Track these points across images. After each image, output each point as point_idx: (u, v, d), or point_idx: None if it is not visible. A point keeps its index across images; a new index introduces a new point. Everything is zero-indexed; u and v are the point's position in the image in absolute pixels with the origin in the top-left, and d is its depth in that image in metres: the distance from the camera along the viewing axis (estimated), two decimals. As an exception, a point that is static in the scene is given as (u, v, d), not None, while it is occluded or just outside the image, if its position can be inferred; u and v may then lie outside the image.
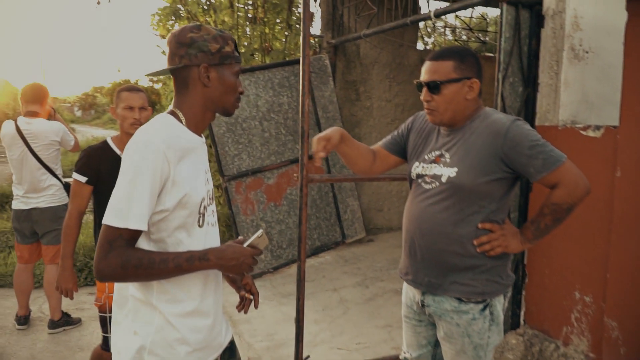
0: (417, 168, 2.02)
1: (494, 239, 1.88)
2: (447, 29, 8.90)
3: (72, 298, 2.85)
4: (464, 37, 10.36)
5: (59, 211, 4.03)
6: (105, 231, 1.39)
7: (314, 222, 5.91)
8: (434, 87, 1.89)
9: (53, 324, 4.01)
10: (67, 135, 4.09)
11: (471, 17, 8.15)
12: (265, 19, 7.07)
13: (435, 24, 8.87)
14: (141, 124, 2.58)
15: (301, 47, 2.66)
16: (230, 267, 1.52)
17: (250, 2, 7.06)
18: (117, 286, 1.59)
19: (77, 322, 4.15)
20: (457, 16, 8.59)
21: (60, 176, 4.09)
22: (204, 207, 1.56)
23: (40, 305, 4.50)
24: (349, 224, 6.25)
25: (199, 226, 1.55)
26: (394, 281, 5.11)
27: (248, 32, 6.95)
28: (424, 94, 1.93)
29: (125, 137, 2.71)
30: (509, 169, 1.83)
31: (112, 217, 1.39)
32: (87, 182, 2.63)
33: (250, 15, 7.21)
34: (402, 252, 2.11)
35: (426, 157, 2.00)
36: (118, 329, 1.57)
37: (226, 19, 6.82)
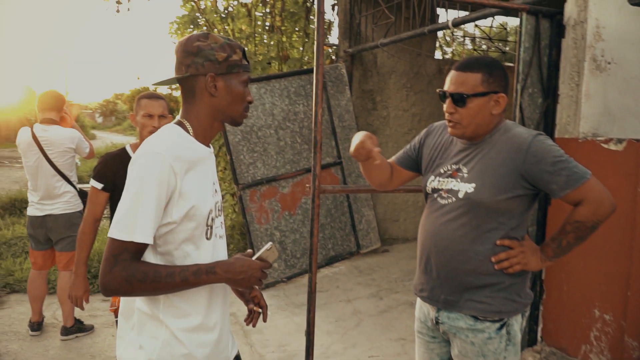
0: (432, 182, 1.96)
1: (512, 256, 1.81)
2: (466, 38, 8.82)
3: (82, 308, 2.82)
4: (484, 47, 10.28)
5: (73, 218, 4.03)
6: (110, 245, 1.37)
7: (329, 231, 5.86)
8: (459, 99, 1.81)
9: (66, 331, 4.00)
10: (82, 142, 4.10)
11: (491, 27, 8.07)
12: (283, 28, 7.07)
13: (454, 33, 8.79)
14: None
15: (315, 56, 2.62)
16: (238, 281, 1.48)
17: (267, 10, 7.05)
18: (124, 297, 1.55)
19: (89, 329, 4.14)
20: (476, 25, 8.51)
21: (75, 183, 4.10)
22: (212, 219, 1.53)
23: (54, 312, 4.51)
24: (364, 234, 6.18)
25: (207, 239, 1.52)
26: (409, 293, 5.04)
27: (265, 41, 6.94)
28: (447, 106, 1.85)
29: None
30: (530, 185, 1.77)
31: (117, 230, 1.36)
32: (103, 189, 2.62)
33: (267, 24, 7.21)
34: (417, 268, 2.05)
35: (442, 171, 1.94)
36: (122, 343, 1.54)
37: (243, 27, 6.83)
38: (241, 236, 6.45)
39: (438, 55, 7.43)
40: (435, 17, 6.55)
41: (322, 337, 4.08)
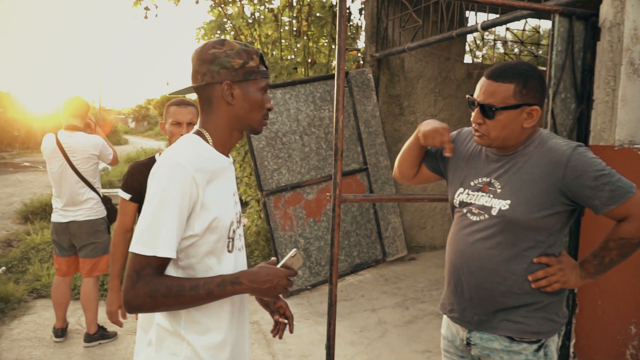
0: (460, 195, 1.85)
1: (551, 274, 1.71)
2: (497, 42, 8.62)
3: (120, 324, 2.79)
4: (516, 50, 10.03)
5: (96, 224, 4.04)
6: (132, 260, 1.33)
7: (354, 239, 5.77)
8: (487, 111, 1.69)
9: (89, 338, 4.00)
10: (105, 149, 4.10)
11: (524, 30, 7.87)
12: (309, 33, 7.02)
13: (485, 37, 8.61)
14: None
15: (336, 60, 2.55)
16: (264, 290, 1.43)
17: (294, 15, 7.02)
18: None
19: (112, 335, 4.13)
20: (508, 29, 8.31)
21: (98, 190, 4.11)
22: (233, 231, 1.49)
23: (79, 318, 4.52)
24: (390, 242, 6.07)
25: (229, 251, 1.48)
26: (436, 303, 4.90)
27: (291, 46, 6.90)
28: (475, 116, 1.74)
29: None
30: (570, 201, 1.66)
31: (140, 244, 1.33)
32: (132, 200, 2.60)
33: (294, 29, 7.17)
34: (445, 286, 1.95)
35: (472, 184, 1.83)
36: (138, 359, 1.49)
37: (269, 32, 6.80)
38: (266, 242, 6.41)
39: (467, 59, 7.27)
40: (464, 20, 6.41)
41: (345, 348, 3.99)
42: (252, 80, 1.46)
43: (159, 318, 1.45)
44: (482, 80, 1.74)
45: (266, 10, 6.98)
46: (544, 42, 9.59)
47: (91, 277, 4.04)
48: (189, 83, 1.52)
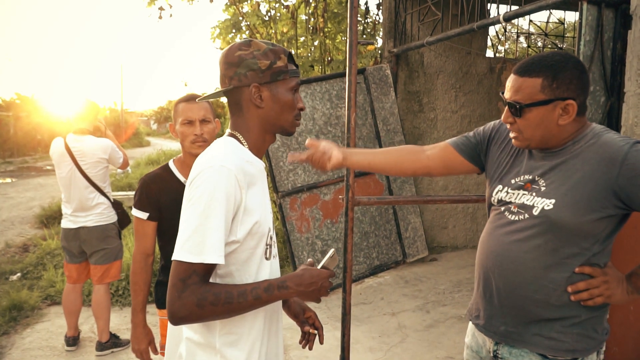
0: (499, 192, 1.68)
1: (594, 287, 1.52)
2: (520, 35, 8.39)
3: None
4: (539, 44, 9.77)
5: (107, 230, 3.96)
6: (176, 268, 1.27)
7: (373, 240, 5.61)
8: (514, 109, 1.54)
9: (101, 346, 3.92)
10: (115, 152, 4.02)
11: (547, 22, 7.62)
12: (326, 29, 6.88)
13: (508, 30, 8.37)
14: (204, 141, 2.21)
15: (347, 55, 2.40)
16: (309, 293, 1.40)
17: (310, 12, 6.88)
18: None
19: (125, 343, 4.05)
20: (531, 21, 8.07)
21: (108, 194, 4.02)
22: (270, 238, 1.46)
23: (92, 325, 4.44)
24: (411, 242, 5.90)
25: (266, 258, 1.44)
26: (458, 306, 4.73)
27: (307, 43, 6.77)
28: (504, 115, 1.60)
29: (188, 158, 2.27)
30: (624, 204, 1.47)
31: (185, 252, 1.27)
32: (149, 219, 2.22)
33: (310, 26, 7.04)
34: (474, 291, 1.78)
35: (513, 181, 1.65)
36: None
37: (285, 29, 6.68)
38: (283, 244, 6.29)
39: (489, 53, 7.05)
40: (485, 12, 6.21)
41: (364, 354, 3.84)
42: (281, 80, 1.42)
43: (187, 332, 1.41)
44: (510, 76, 1.58)
45: (282, 7, 6.86)
46: (568, 34, 9.30)
47: (102, 284, 3.96)
48: (216, 86, 1.46)
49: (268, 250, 1.44)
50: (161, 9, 7.56)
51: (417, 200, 2.60)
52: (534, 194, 1.57)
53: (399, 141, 5.82)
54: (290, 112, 1.45)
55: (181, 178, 2.26)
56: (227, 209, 1.29)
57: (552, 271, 1.53)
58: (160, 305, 2.35)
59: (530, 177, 1.61)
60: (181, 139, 2.25)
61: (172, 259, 1.29)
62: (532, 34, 8.26)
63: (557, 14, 8.76)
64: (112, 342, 3.97)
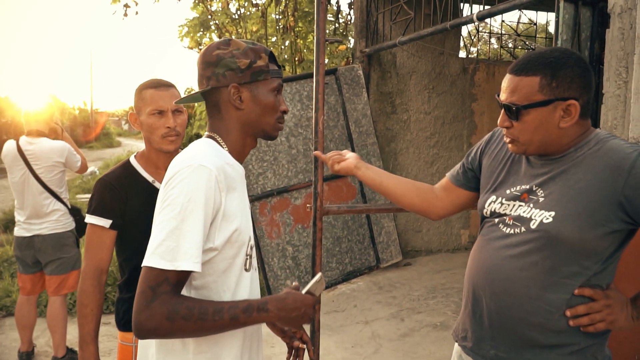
0: (493, 204, 1.53)
1: (595, 311, 1.36)
2: (492, 37, 8.35)
3: None
4: (510, 45, 9.77)
5: (63, 238, 3.73)
6: (146, 275, 1.16)
7: (346, 245, 5.47)
8: (510, 111, 1.40)
9: (57, 362, 3.68)
10: (72, 155, 3.79)
11: (518, 22, 7.59)
12: (297, 29, 6.72)
13: (480, 31, 8.31)
14: (177, 135, 1.90)
15: (315, 53, 2.24)
16: (291, 319, 1.30)
17: (280, 10, 6.71)
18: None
19: (83, 357, 3.81)
20: (503, 21, 8.04)
21: (65, 200, 3.79)
22: (251, 248, 1.37)
23: (48, 339, 4.19)
24: (384, 247, 5.77)
25: (246, 270, 1.34)
26: (433, 313, 4.61)
27: (278, 42, 6.60)
28: (500, 119, 1.45)
29: (153, 154, 1.94)
30: (630, 218, 1.32)
31: (157, 257, 1.16)
32: (111, 227, 1.86)
33: (281, 25, 6.87)
34: (462, 308, 1.62)
35: (508, 192, 1.50)
36: None
37: (254, 28, 6.50)
38: (254, 250, 6.11)
39: (462, 54, 6.98)
40: (458, 12, 6.13)
41: (335, 367, 3.69)
42: (262, 81, 1.35)
43: (155, 349, 1.29)
44: (506, 76, 1.45)
45: (250, 4, 6.68)
46: (539, 36, 9.30)
47: (59, 296, 3.73)
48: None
49: (248, 261, 1.35)
50: (127, 6, 7.29)
51: (390, 208, 2.45)
52: (531, 205, 1.42)
53: (371, 143, 5.68)
54: (272, 114, 1.38)
55: (148, 177, 1.93)
56: (205, 212, 1.19)
57: (550, 292, 1.37)
58: (124, 326, 1.93)
59: (528, 187, 1.46)
60: (148, 132, 1.88)
61: (143, 264, 1.16)
62: (504, 34, 8.23)
63: (528, 14, 8.76)
64: (69, 357, 3.74)
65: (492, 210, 1.52)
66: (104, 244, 1.85)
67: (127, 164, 1.94)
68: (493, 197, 1.54)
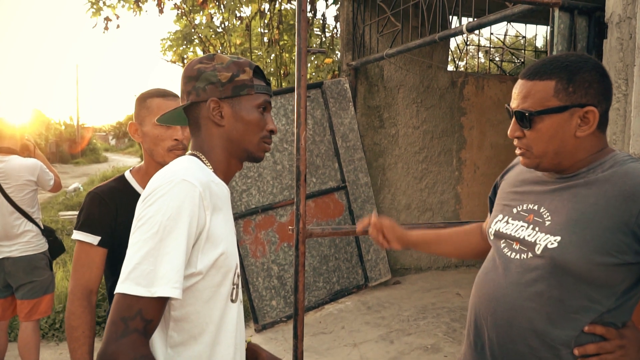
0: (499, 222, 1.42)
1: (606, 351, 1.23)
2: (479, 50, 8.28)
3: None
4: (497, 59, 9.74)
5: (34, 261, 3.53)
6: (118, 303, 1.03)
7: (333, 263, 5.29)
8: (523, 119, 1.29)
9: (27, 392, 3.46)
10: (44, 173, 3.60)
11: (506, 35, 7.52)
12: (282, 42, 6.59)
13: (468, 46, 8.25)
14: (184, 149, 1.77)
15: (296, 65, 2.09)
16: None
17: (265, 23, 6.59)
18: None
19: (55, 387, 3.60)
20: (492, 34, 8.00)
21: (38, 220, 3.59)
22: (237, 276, 1.25)
23: (19, 365, 3.96)
24: (373, 265, 5.59)
25: (232, 301, 1.22)
26: (423, 335, 4.43)
27: (263, 56, 6.47)
28: (511, 128, 1.34)
29: (153, 169, 1.80)
30: None
31: (130, 282, 1.03)
32: (100, 244, 1.70)
33: (266, 39, 6.75)
34: (465, 339, 1.48)
35: (515, 210, 1.39)
36: None
37: (238, 41, 6.36)
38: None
39: (451, 68, 6.88)
40: (447, 24, 6.06)
41: (322, 395, 3.50)
42: (245, 96, 1.26)
43: None
44: (517, 82, 1.34)
45: (234, 17, 6.54)
46: (527, 50, 9.27)
47: (30, 321, 3.52)
48: None
49: (235, 292, 1.23)
50: (107, 19, 7.13)
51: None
52: (537, 228, 1.29)
53: (359, 159, 5.53)
54: (256, 132, 1.28)
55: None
56: (188, 233, 1.07)
57: (556, 327, 1.23)
58: None
59: (534, 207, 1.34)
60: (152, 143, 1.75)
61: (116, 291, 1.04)
62: (492, 47, 8.16)
63: (516, 28, 8.71)
64: (40, 388, 3.52)
65: (497, 229, 1.41)
66: (93, 262, 1.70)
67: (122, 178, 1.81)
68: (500, 216, 1.43)
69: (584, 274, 1.20)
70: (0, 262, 3.47)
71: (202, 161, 1.26)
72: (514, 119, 1.32)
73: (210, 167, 1.26)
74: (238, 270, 1.27)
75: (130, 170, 1.85)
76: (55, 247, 3.73)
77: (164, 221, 1.06)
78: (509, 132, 1.35)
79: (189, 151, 1.31)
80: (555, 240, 1.24)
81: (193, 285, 1.13)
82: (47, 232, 3.67)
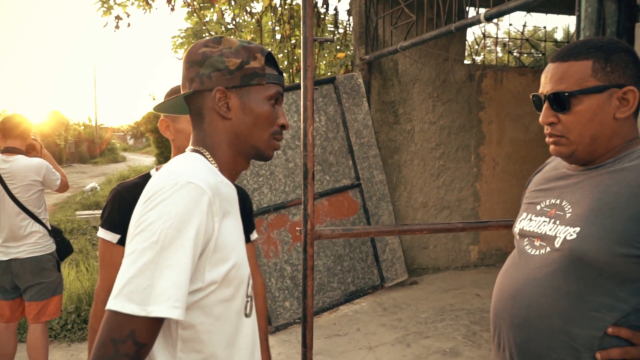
0: (523, 220, 1.37)
1: (633, 357, 1.12)
2: (497, 43, 8.07)
3: None
4: (516, 53, 9.52)
5: (42, 262, 3.46)
6: (108, 321, 0.90)
7: (348, 263, 5.15)
8: (559, 101, 1.22)
9: (36, 395, 3.39)
10: (51, 173, 3.53)
11: (524, 26, 7.30)
12: (293, 38, 6.47)
13: (485, 38, 8.04)
14: None
15: (302, 56, 1.95)
16: None
17: (277, 19, 6.47)
18: None
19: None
20: (511, 24, 7.79)
21: (45, 221, 3.53)
22: (250, 287, 1.13)
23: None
24: (389, 265, 5.44)
25: (246, 315, 1.10)
26: (441, 338, 4.27)
27: (274, 51, 6.34)
28: (543, 114, 1.26)
29: None
30: None
31: (122, 298, 0.89)
32: (120, 242, 1.65)
33: (279, 35, 6.63)
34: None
35: (538, 207, 1.34)
36: None
37: (249, 37, 6.25)
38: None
39: (467, 61, 6.68)
40: (464, 14, 5.88)
41: (336, 401, 3.36)
42: (256, 86, 1.11)
43: None
44: (547, 67, 1.28)
45: (244, 13, 6.44)
46: (547, 42, 9.03)
47: (39, 323, 3.46)
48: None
49: (249, 305, 1.11)
50: (118, 18, 7.06)
51: (391, 230, 2.15)
52: (557, 221, 1.24)
53: (373, 155, 5.38)
54: (266, 127, 1.14)
55: None
56: (194, 243, 0.94)
57: (576, 325, 1.15)
58: None
59: (557, 202, 1.29)
60: (188, 140, 1.68)
61: (106, 307, 0.91)
62: (511, 39, 7.94)
63: (536, 18, 8.49)
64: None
65: (521, 228, 1.36)
66: (115, 261, 1.61)
67: (147, 175, 1.74)
68: (524, 214, 1.39)
69: (605, 267, 1.13)
70: (7, 264, 3.42)
71: (207, 158, 1.13)
72: (546, 104, 1.25)
73: (215, 164, 1.13)
74: (251, 280, 1.14)
75: (156, 168, 1.77)
76: (63, 248, 3.68)
77: (166, 229, 0.93)
78: (541, 119, 1.27)
79: (190, 147, 1.16)
80: (574, 232, 1.17)
81: (201, 300, 1.01)
82: (55, 233, 3.61)
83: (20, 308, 3.55)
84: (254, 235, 1.89)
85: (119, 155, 39.53)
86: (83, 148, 37.88)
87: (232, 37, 6.43)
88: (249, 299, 1.12)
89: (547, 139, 1.29)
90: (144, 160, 30.08)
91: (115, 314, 0.90)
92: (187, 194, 0.96)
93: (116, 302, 0.90)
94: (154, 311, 0.89)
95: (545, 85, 1.26)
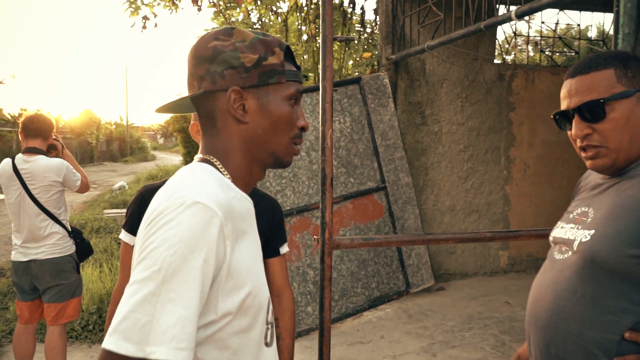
0: (556, 229, 1.40)
1: None
2: (528, 42, 7.84)
3: None
4: (548, 52, 9.25)
5: (61, 263, 3.44)
6: None
7: (372, 268, 5.03)
8: (593, 111, 1.22)
9: (54, 397, 3.37)
10: (71, 174, 3.50)
11: (557, 23, 7.06)
12: (319, 37, 6.38)
13: (517, 37, 7.82)
14: None
15: (321, 55, 1.85)
16: None
17: (302, 18, 6.38)
18: None
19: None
20: (543, 22, 7.54)
21: (65, 222, 3.50)
22: (271, 313, 1.01)
23: (47, 370, 3.88)
24: (415, 270, 5.30)
25: (266, 344, 0.98)
26: (469, 348, 4.12)
27: (299, 51, 6.27)
28: (576, 127, 1.26)
29: None
30: None
31: (119, 336, 0.77)
32: None
33: (305, 35, 6.54)
34: None
35: (570, 215, 1.37)
36: None
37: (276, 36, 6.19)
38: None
39: (497, 60, 6.49)
40: (493, 12, 5.70)
41: (357, 413, 3.25)
42: (275, 85, 0.99)
43: None
44: (566, 83, 1.31)
45: (270, 12, 6.37)
46: (576, 43, 8.75)
47: (57, 325, 3.44)
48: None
49: (269, 333, 0.99)
50: (145, 18, 7.08)
51: (414, 240, 2.03)
52: (579, 226, 1.27)
53: (399, 157, 5.25)
54: (286, 131, 1.02)
55: None
56: (203, 272, 0.81)
57: (592, 329, 1.15)
58: None
59: (586, 209, 1.31)
60: None
61: (102, 346, 0.79)
62: (543, 37, 7.70)
63: (569, 16, 8.24)
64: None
65: (554, 235, 1.39)
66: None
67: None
68: (559, 223, 1.42)
69: (617, 268, 1.13)
70: (26, 265, 3.40)
71: (218, 168, 1.01)
72: (576, 118, 1.25)
73: (228, 175, 1.01)
74: (271, 306, 1.03)
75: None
76: (83, 249, 3.65)
77: (169, 257, 0.81)
78: (574, 133, 1.26)
79: (199, 155, 1.04)
80: (589, 234, 1.20)
81: (214, 334, 0.89)
82: (75, 234, 3.59)
83: (39, 309, 3.54)
84: (284, 249, 1.80)
85: (149, 154, 40.10)
86: (114, 146, 38.58)
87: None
88: (269, 326, 1.00)
89: (582, 154, 1.27)
90: (173, 159, 30.43)
91: (109, 354, 0.78)
92: (194, 216, 0.84)
93: (111, 340, 0.78)
94: (154, 353, 0.76)
95: (570, 100, 1.27)
